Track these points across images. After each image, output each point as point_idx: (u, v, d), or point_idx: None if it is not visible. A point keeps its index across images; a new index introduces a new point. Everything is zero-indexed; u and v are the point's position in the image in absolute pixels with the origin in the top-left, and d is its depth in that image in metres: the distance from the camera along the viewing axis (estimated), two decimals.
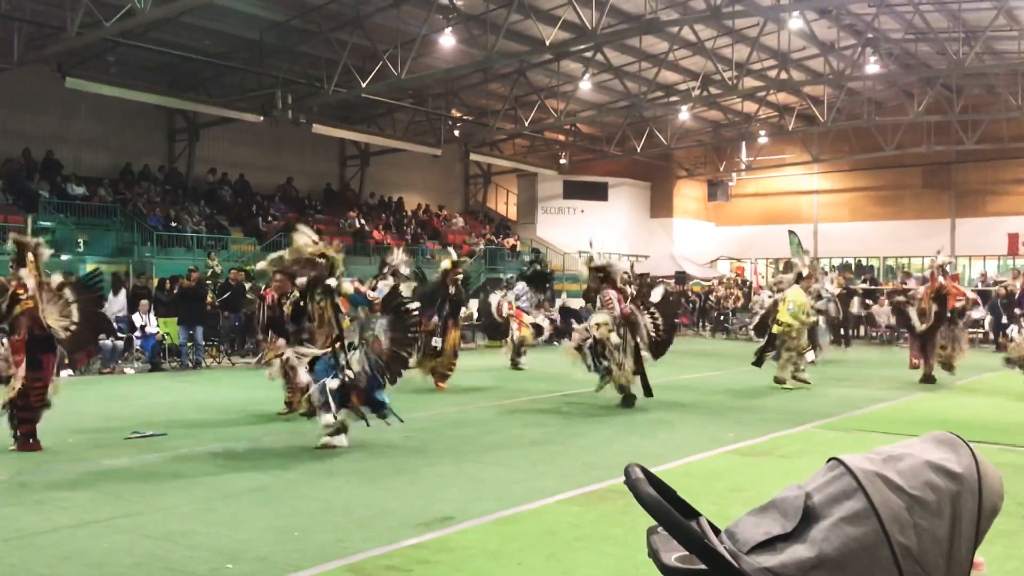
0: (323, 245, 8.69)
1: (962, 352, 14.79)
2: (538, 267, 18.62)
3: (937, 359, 14.37)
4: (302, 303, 8.37)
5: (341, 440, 8.09)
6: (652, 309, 11.26)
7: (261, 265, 9.23)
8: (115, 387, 13.71)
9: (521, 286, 17.50)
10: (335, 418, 8.09)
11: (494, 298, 17.01)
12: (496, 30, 20.10)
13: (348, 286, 8.60)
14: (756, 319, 16.12)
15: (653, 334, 11.06)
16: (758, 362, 14.07)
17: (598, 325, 10.80)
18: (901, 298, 15.35)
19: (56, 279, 8.49)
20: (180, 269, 18.58)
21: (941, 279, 14.51)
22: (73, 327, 8.38)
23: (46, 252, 8.55)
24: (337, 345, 8.25)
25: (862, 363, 18.13)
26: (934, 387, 13.77)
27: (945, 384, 14.00)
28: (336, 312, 8.28)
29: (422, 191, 33.52)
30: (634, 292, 11.56)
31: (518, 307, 16.72)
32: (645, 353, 11.01)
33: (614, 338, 10.68)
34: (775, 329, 13.56)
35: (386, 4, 20.28)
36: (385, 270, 13.60)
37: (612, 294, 10.87)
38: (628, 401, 10.91)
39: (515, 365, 16.22)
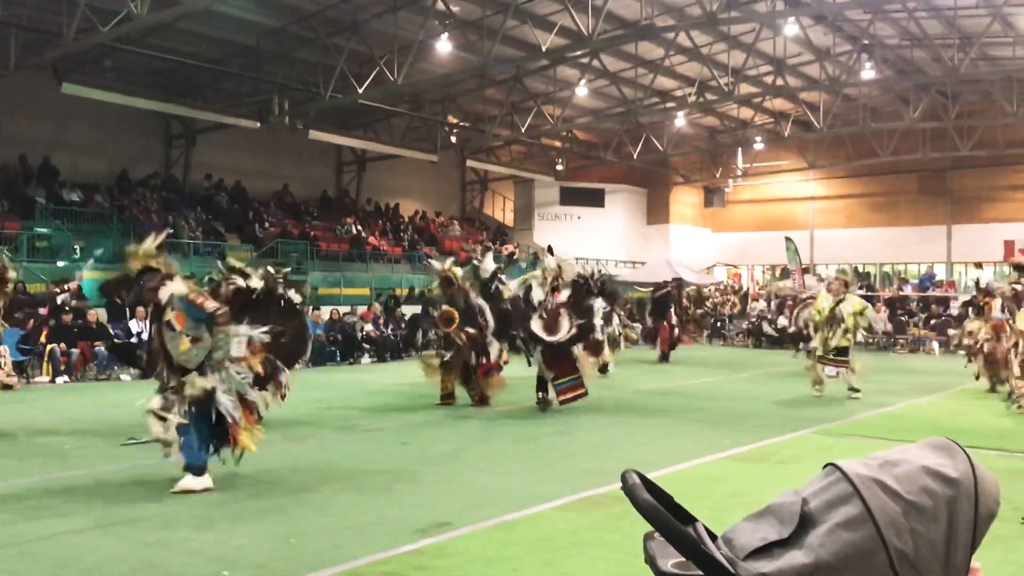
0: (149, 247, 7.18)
1: None
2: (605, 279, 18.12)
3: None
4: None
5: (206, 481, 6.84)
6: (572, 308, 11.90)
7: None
8: (111, 393, 13.67)
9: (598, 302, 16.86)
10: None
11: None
12: (493, 36, 20.13)
13: (182, 287, 6.90)
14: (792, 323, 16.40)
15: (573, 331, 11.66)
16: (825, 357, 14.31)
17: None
18: None
19: None
20: None
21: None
22: None
23: None
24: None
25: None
26: (931, 392, 13.78)
27: (941, 389, 14.02)
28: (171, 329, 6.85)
29: (419, 197, 33.53)
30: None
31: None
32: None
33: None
34: (842, 342, 13.32)
35: (382, 10, 20.29)
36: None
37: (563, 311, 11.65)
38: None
39: (604, 372, 16.03)
